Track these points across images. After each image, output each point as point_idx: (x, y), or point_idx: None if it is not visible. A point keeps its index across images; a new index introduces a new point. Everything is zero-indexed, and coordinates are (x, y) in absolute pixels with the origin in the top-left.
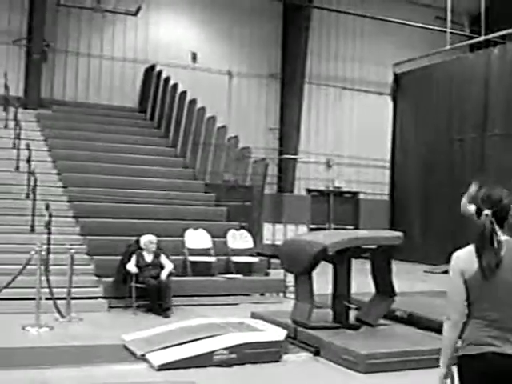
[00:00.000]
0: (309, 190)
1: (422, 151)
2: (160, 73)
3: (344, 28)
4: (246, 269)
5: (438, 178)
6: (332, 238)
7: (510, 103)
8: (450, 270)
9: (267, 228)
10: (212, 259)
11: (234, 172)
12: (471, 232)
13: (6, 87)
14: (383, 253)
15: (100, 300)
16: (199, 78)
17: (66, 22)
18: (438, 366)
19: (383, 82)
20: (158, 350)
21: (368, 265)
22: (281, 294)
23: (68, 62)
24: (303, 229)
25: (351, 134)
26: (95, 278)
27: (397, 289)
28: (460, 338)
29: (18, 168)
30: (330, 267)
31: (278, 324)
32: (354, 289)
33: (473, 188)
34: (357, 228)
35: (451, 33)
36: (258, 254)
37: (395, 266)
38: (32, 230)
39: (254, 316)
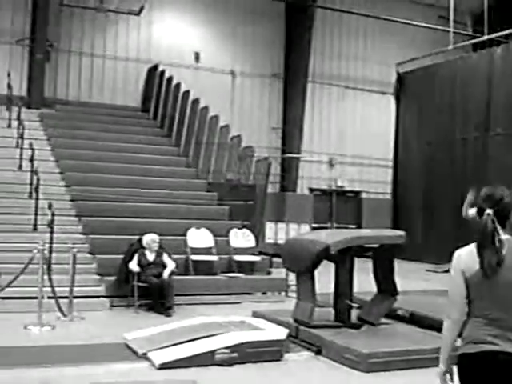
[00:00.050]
0: (311, 189)
1: (424, 150)
2: (163, 72)
3: (347, 27)
4: (248, 268)
5: (440, 178)
6: (334, 237)
7: None
8: (451, 269)
9: (269, 227)
10: (214, 258)
11: (236, 171)
12: (473, 231)
13: (10, 87)
14: (385, 252)
15: (102, 299)
16: (202, 78)
17: (69, 21)
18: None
19: (386, 82)
20: (159, 348)
21: (370, 264)
22: (283, 293)
23: (71, 62)
24: (305, 228)
25: (354, 133)
26: (97, 277)
27: (399, 288)
28: (460, 336)
29: (20, 167)
30: (332, 266)
31: (280, 323)
32: (355, 288)
33: (470, 196)
34: (359, 227)
35: (454, 32)
36: (260, 253)
37: (397, 264)
38: (34, 229)
39: (255, 315)
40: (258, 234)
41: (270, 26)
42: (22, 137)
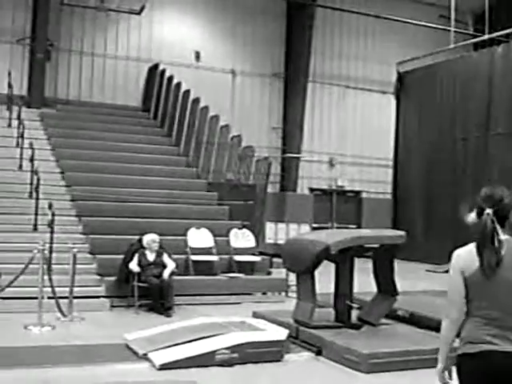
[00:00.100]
0: (312, 189)
1: (425, 150)
2: (163, 72)
3: (348, 27)
4: (248, 268)
5: (440, 177)
6: (334, 237)
7: None
8: (451, 268)
9: (269, 227)
10: (214, 258)
11: (236, 171)
12: (473, 231)
13: (10, 86)
14: (386, 252)
15: (102, 299)
16: (202, 77)
17: (69, 21)
18: None
19: (387, 81)
20: (159, 349)
21: (370, 264)
22: (283, 294)
23: (72, 61)
24: (306, 228)
25: (354, 133)
26: (97, 277)
27: (399, 288)
28: (458, 336)
29: (21, 167)
30: (332, 266)
31: (280, 323)
32: (356, 288)
33: (463, 210)
34: (359, 227)
35: (455, 31)
36: (261, 253)
37: (397, 265)
38: (35, 229)
39: (255, 315)
40: (258, 234)
41: (271, 26)
42: (22, 136)
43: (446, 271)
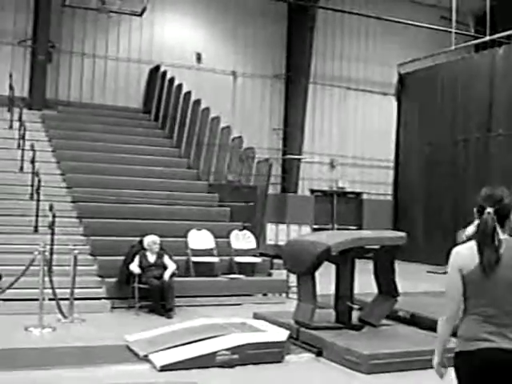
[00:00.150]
0: (312, 191)
1: (426, 151)
2: (165, 73)
3: (349, 28)
4: (249, 269)
5: (441, 178)
6: (335, 238)
7: None
8: (449, 266)
9: (270, 228)
10: (215, 260)
11: (237, 172)
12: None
13: (11, 88)
14: (386, 253)
15: (103, 301)
16: (204, 79)
17: (71, 22)
18: None
19: (388, 83)
20: (160, 350)
21: (371, 265)
22: (283, 295)
23: (73, 63)
24: (306, 229)
25: (355, 135)
26: (98, 279)
27: (399, 289)
28: (454, 336)
29: (22, 169)
30: (332, 267)
31: (281, 324)
32: (356, 289)
33: (461, 235)
34: (360, 228)
35: (456, 33)
36: (261, 255)
37: (398, 266)
38: (35, 231)
39: (256, 316)
40: (259, 236)
41: (272, 27)
42: (23, 138)
43: (447, 272)
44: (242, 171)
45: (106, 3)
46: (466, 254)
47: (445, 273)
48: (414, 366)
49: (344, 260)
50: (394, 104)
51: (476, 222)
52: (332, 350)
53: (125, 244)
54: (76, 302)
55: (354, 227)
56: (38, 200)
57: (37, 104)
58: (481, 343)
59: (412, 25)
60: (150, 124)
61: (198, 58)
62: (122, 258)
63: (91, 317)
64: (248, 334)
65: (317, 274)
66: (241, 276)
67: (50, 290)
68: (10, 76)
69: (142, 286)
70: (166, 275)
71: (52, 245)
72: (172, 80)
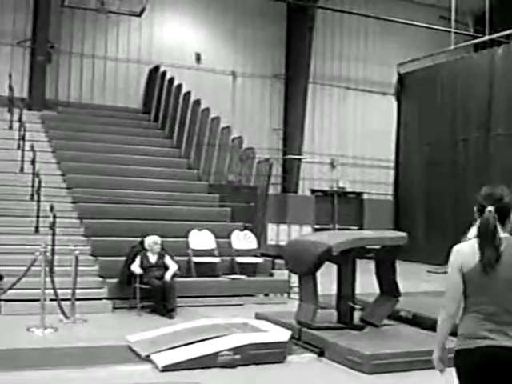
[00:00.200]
0: (313, 191)
1: (426, 151)
2: (164, 74)
3: (348, 28)
4: (251, 269)
5: (441, 178)
6: (336, 238)
7: None
8: (449, 263)
9: (271, 228)
10: (216, 260)
11: (238, 172)
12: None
13: (11, 88)
14: (387, 253)
15: (104, 301)
16: (203, 79)
17: (70, 23)
18: None
19: (387, 82)
20: (162, 350)
21: (372, 265)
22: (285, 295)
23: (72, 64)
24: (307, 229)
25: (355, 135)
26: (99, 279)
27: (401, 289)
28: (453, 335)
29: (22, 169)
30: (334, 267)
31: (282, 325)
32: (358, 289)
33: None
34: (361, 228)
35: (455, 32)
36: (262, 255)
37: (399, 266)
38: (36, 232)
39: (258, 317)
40: (260, 236)
41: (271, 27)
42: (23, 139)
43: (447, 272)
44: (242, 171)
45: (104, 4)
46: (466, 251)
47: (445, 272)
48: (415, 366)
49: (345, 260)
50: (394, 104)
51: (477, 223)
52: (334, 350)
53: (126, 244)
54: (77, 303)
55: (355, 227)
56: (39, 201)
57: (36, 104)
58: (481, 341)
59: (411, 24)
60: (150, 124)
61: (198, 58)
62: (123, 258)
63: (93, 317)
64: (250, 335)
65: (318, 274)
66: (242, 276)
67: (52, 291)
68: (10, 76)
69: (143, 286)
70: (168, 275)
71: (53, 245)
72: (172, 80)
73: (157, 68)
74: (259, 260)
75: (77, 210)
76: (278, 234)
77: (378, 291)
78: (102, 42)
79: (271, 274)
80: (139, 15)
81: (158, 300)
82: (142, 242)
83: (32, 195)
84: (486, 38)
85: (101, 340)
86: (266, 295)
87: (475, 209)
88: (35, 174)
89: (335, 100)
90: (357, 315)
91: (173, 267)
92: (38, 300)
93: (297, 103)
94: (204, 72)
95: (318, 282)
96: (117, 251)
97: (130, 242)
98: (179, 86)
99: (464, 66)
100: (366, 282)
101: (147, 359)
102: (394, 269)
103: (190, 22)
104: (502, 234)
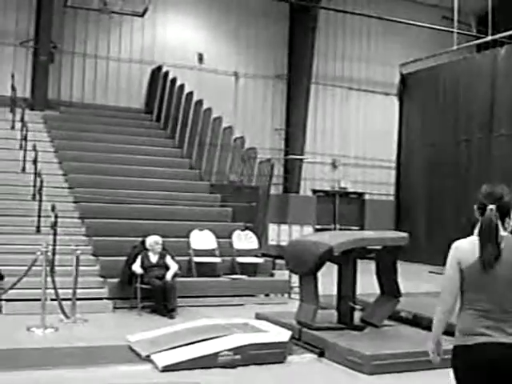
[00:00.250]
0: (314, 191)
1: (428, 152)
2: (166, 74)
3: (350, 28)
4: (251, 269)
5: (443, 179)
6: (338, 238)
7: None
8: (448, 259)
9: (272, 228)
10: (217, 260)
11: (239, 172)
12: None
13: (13, 88)
14: (388, 253)
15: (105, 301)
16: (206, 79)
17: (72, 23)
18: (443, 368)
19: (389, 83)
20: (162, 350)
21: (373, 265)
22: (286, 295)
23: (75, 64)
24: (308, 229)
25: (357, 135)
26: (100, 279)
27: (402, 289)
28: (450, 334)
29: (24, 169)
30: (335, 268)
31: (283, 325)
32: (358, 289)
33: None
34: (362, 229)
35: (458, 33)
36: (263, 255)
37: (400, 266)
38: (38, 231)
39: (258, 317)
40: (261, 236)
41: (274, 28)
42: (25, 139)
43: None
44: (243, 171)
45: (107, 4)
46: (466, 248)
47: None
48: (416, 366)
49: (346, 260)
50: (396, 104)
51: (478, 224)
52: (334, 350)
53: (127, 244)
54: (78, 303)
55: (356, 227)
56: (40, 200)
57: (39, 104)
58: (478, 337)
59: (414, 25)
60: (152, 124)
61: (200, 58)
62: (124, 258)
63: (93, 317)
64: (250, 335)
65: (319, 274)
66: (243, 276)
67: (53, 291)
68: (12, 76)
69: (144, 286)
70: (169, 275)
71: (54, 245)
72: (174, 80)
73: (159, 68)
74: (260, 260)
75: (78, 210)
76: (279, 234)
77: (378, 291)
78: (105, 42)
79: (272, 275)
80: (142, 15)
81: (159, 300)
82: (143, 242)
83: (34, 195)
84: (489, 38)
85: (101, 340)
86: (267, 295)
87: (475, 207)
88: (37, 174)
89: (337, 100)
90: (357, 315)
91: (174, 267)
92: (38, 300)
93: (299, 103)
94: (206, 72)
95: (318, 282)
96: (118, 251)
97: (131, 242)
98: (181, 86)
99: (466, 66)
100: (367, 283)
101: (147, 359)
102: (395, 269)
103: (192, 22)
104: (502, 233)
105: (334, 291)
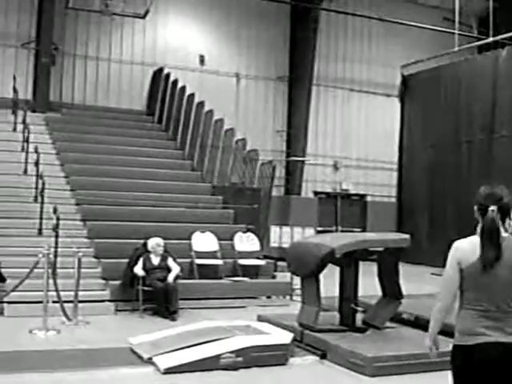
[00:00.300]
0: (316, 193)
1: (429, 153)
2: (168, 75)
3: (352, 30)
4: (253, 272)
5: (445, 180)
6: (339, 240)
7: None
8: (448, 258)
9: (274, 230)
10: (219, 262)
11: (241, 174)
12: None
13: (15, 90)
14: (390, 255)
15: (107, 303)
16: (207, 81)
17: (74, 25)
18: (444, 369)
19: (391, 84)
20: (164, 353)
21: (375, 267)
22: (287, 297)
23: (76, 65)
24: (310, 231)
25: (359, 136)
26: (102, 281)
27: (404, 291)
28: (443, 333)
29: (26, 171)
30: (336, 270)
31: (285, 327)
32: (360, 291)
33: None
34: (364, 230)
35: (459, 34)
36: (265, 257)
37: (402, 268)
38: (40, 233)
39: (260, 319)
40: (263, 238)
41: (275, 29)
42: (27, 141)
43: None
44: (245, 173)
45: (109, 5)
46: (466, 247)
47: None
48: (418, 368)
49: (348, 262)
50: (398, 105)
51: (480, 225)
52: (336, 352)
53: (129, 246)
54: (80, 305)
55: (358, 229)
56: (42, 202)
57: (40, 106)
58: (478, 337)
59: (415, 26)
60: (154, 126)
61: (202, 60)
62: (126, 260)
63: (95, 319)
64: (252, 337)
65: (321, 276)
66: (245, 278)
67: (55, 293)
68: (14, 78)
69: (146, 288)
70: (170, 277)
71: (56, 247)
72: (175, 82)
73: (161, 70)
74: (262, 262)
75: (80, 212)
76: (281, 236)
77: (380, 293)
78: (106, 43)
79: (274, 277)
80: (143, 17)
81: (161, 302)
82: (144, 244)
83: (35, 197)
84: (490, 39)
85: (103, 342)
86: (269, 297)
87: (475, 208)
88: (39, 176)
89: (339, 102)
90: (359, 317)
91: (175, 269)
92: (40, 302)
93: (300, 105)
94: (208, 74)
95: (320, 284)
96: (120, 253)
97: (133, 244)
98: (183, 88)
99: (468, 67)
100: (369, 284)
101: (149, 361)
102: (397, 271)
103: (193, 23)
104: (504, 234)
105: (336, 293)
